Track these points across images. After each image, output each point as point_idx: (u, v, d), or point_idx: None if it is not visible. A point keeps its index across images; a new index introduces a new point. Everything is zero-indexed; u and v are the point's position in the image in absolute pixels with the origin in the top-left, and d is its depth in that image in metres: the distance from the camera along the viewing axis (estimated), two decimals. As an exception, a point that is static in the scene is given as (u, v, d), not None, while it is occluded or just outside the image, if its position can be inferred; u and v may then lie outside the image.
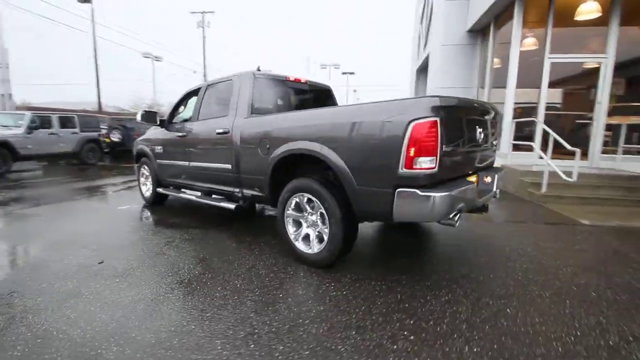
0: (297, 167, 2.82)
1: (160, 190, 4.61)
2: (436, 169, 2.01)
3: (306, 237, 2.72)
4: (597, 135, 5.95)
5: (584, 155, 5.77)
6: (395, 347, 1.68)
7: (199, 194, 4.03)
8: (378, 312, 2.00)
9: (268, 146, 2.83)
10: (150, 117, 4.28)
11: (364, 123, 2.19)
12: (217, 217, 4.23)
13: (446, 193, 2.00)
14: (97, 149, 10.49)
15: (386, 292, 2.25)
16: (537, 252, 3.02)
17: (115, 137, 12.27)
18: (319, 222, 2.61)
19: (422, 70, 12.15)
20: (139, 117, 4.24)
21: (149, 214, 4.45)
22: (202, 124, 3.74)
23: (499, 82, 7.36)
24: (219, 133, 3.37)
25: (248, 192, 3.23)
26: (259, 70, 3.49)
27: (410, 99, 2.09)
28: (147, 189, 5.00)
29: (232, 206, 3.34)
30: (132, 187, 6.63)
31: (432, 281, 2.41)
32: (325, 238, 2.51)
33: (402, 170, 2.02)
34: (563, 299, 2.17)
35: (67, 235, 3.47)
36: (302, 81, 3.90)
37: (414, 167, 1.99)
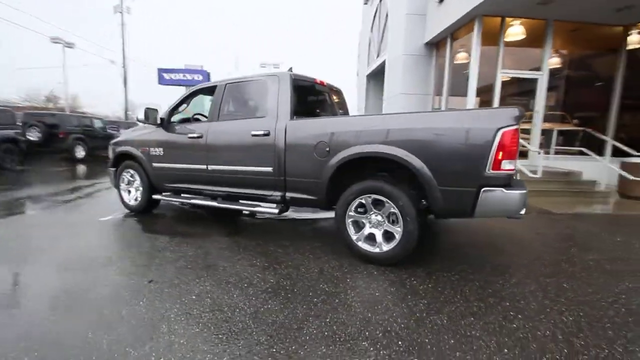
0: (356, 170, 2.88)
1: (157, 197, 4.14)
2: (515, 170, 2.32)
3: (369, 237, 2.81)
4: (535, 138, 7.19)
5: (524, 155, 6.96)
6: (514, 325, 1.92)
7: (207, 199, 3.76)
8: (474, 299, 2.22)
9: (327, 149, 2.84)
10: (151, 115, 3.82)
11: (450, 129, 2.39)
12: (221, 224, 4.00)
13: (524, 190, 2.32)
14: (15, 150, 8.67)
15: (463, 281, 2.48)
16: (544, 237, 3.61)
17: (33, 135, 10.32)
18: (386, 222, 2.73)
19: (374, 75, 12.92)
20: (140, 115, 3.76)
21: (144, 224, 3.95)
22: (226, 125, 3.50)
23: (454, 90, 8.32)
24: (255, 135, 3.22)
25: (292, 195, 3.16)
26: (291, 71, 3.42)
27: (497, 109, 2.36)
28: (134, 195, 4.43)
29: (274, 210, 3.22)
30: (93, 194, 5.74)
31: (491, 268, 2.74)
32: (397, 236, 2.65)
33: (489, 171, 2.28)
34: (591, 269, 2.69)
35: (75, 256, 2.92)
36: (324, 84, 3.94)
37: (501, 168, 2.27)
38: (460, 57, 7.93)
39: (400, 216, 2.60)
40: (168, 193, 4.15)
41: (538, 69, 7.04)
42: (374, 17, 12.55)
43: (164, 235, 3.51)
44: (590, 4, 5.99)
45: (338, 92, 4.34)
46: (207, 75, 33.72)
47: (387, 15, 10.62)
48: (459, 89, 8.21)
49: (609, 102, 7.27)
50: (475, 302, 2.18)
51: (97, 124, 12.35)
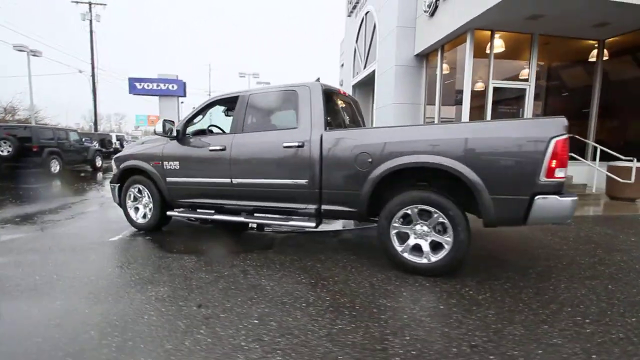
0: (395, 181, 2.85)
1: (172, 213, 3.90)
2: (565, 178, 2.39)
3: (415, 248, 2.78)
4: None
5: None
6: (588, 330, 1.94)
7: (228, 214, 3.61)
8: (536, 306, 2.24)
9: (370, 160, 2.80)
10: (168, 128, 3.63)
11: (503, 138, 2.43)
12: (238, 240, 3.84)
13: (575, 197, 2.39)
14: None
15: (516, 289, 2.50)
16: (564, 240, 3.74)
17: (4, 150, 9.54)
18: (432, 232, 2.71)
19: (361, 85, 13.15)
20: (158, 128, 3.55)
21: (160, 243, 3.70)
22: (253, 137, 3.38)
23: (446, 100, 8.62)
24: (288, 147, 3.13)
25: (329, 207, 3.08)
26: (318, 81, 3.38)
27: (547, 119, 2.42)
28: (142, 213, 4.16)
29: (312, 224, 3.12)
30: (87, 212, 5.34)
31: (535, 274, 2.78)
32: (447, 246, 2.63)
33: (543, 179, 2.33)
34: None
35: (102, 284, 2.66)
36: (346, 94, 3.93)
37: (554, 176, 2.32)
38: (451, 68, 8.26)
39: (450, 226, 2.60)
40: (182, 209, 3.93)
41: (526, 79, 7.45)
42: (359, 29, 12.82)
43: (187, 254, 3.30)
44: (572, 20, 6.45)
45: (355, 102, 4.34)
46: (183, 85, 33.04)
47: (374, 28, 10.88)
48: (450, 98, 8.52)
49: (589, 109, 7.80)
50: (540, 310, 2.19)
51: (73, 137, 11.60)
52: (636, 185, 5.90)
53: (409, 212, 2.75)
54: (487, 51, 7.27)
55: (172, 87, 31.67)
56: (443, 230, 2.68)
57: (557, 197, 2.33)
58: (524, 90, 7.47)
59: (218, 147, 3.49)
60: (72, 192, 7.45)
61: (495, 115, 7.44)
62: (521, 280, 2.66)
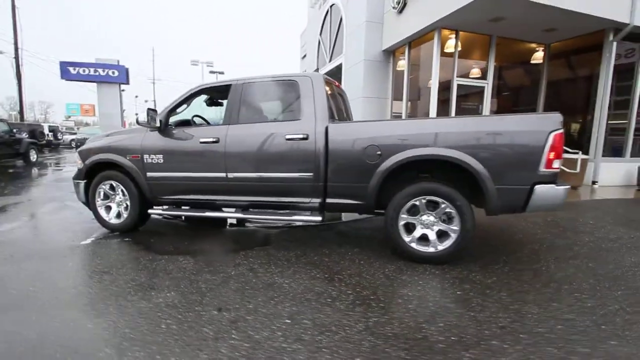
0: (400, 173, 2.91)
1: (155, 211, 3.57)
2: (559, 169, 2.62)
3: (421, 238, 2.87)
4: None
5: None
6: (589, 304, 2.17)
7: (219, 211, 3.42)
8: (540, 286, 2.45)
9: (379, 152, 2.81)
10: (153, 118, 3.29)
11: (507, 132, 2.58)
12: (228, 236, 3.68)
13: (568, 186, 2.63)
14: None
15: (517, 272, 2.70)
16: (536, 225, 4.13)
17: None
18: (439, 222, 2.82)
19: (326, 78, 13.13)
20: (142, 118, 3.20)
21: (144, 244, 3.37)
22: (250, 128, 3.20)
23: (412, 95, 8.97)
24: (291, 139, 3.02)
25: (334, 201, 3.05)
26: (317, 71, 3.30)
27: (545, 114, 2.61)
28: (115, 212, 3.76)
29: (318, 218, 3.06)
30: (36, 214, 4.67)
31: (526, 257, 3.04)
32: (454, 235, 2.76)
33: (543, 170, 2.53)
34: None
35: (95, 293, 2.34)
36: (339, 86, 3.89)
37: (552, 167, 2.54)
38: (417, 65, 8.58)
39: (457, 215, 2.72)
40: (165, 207, 3.62)
41: (484, 78, 8.02)
42: (324, 21, 12.76)
43: (181, 255, 3.05)
44: (526, 23, 7.06)
45: (345, 95, 4.33)
46: (125, 72, 30.37)
47: (341, 21, 10.90)
48: (416, 94, 8.89)
49: (536, 105, 8.66)
50: (544, 289, 2.40)
51: (1, 127, 10.04)
52: (580, 174, 6.72)
53: (417, 203, 2.82)
54: (452, 50, 7.68)
55: (113, 73, 28.89)
56: (448, 220, 2.80)
57: (554, 185, 2.56)
58: (482, 87, 8.04)
59: (210, 139, 3.25)
60: (11, 192, 6.46)
61: (459, 111, 7.93)
62: (517, 263, 2.88)
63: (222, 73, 34.12)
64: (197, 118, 3.93)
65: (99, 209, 3.78)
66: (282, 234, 3.73)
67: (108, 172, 3.69)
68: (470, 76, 8.09)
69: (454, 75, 7.71)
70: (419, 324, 1.94)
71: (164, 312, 2.06)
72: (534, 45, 8.42)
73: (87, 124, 51.37)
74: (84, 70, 27.89)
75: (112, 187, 3.74)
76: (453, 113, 7.76)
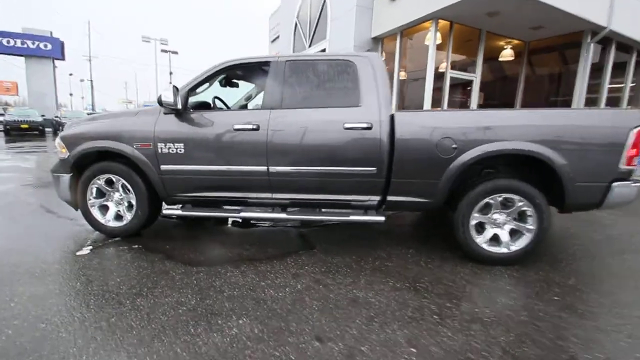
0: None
1: (174, 212, 2.95)
2: (636, 166, 2.58)
3: (492, 238, 2.69)
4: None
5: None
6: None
7: (255, 210, 2.95)
8: (632, 285, 2.40)
9: (454, 146, 2.54)
10: (174, 97, 2.66)
11: (592, 127, 2.45)
12: (245, 238, 3.23)
13: (640, 183, 2.60)
14: None
15: (588, 269, 2.65)
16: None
17: None
18: (513, 221, 2.65)
19: (304, 64, 12.55)
20: (167, 97, 2.56)
21: (159, 252, 2.77)
22: (300, 114, 2.72)
23: (402, 85, 8.87)
24: (351, 128, 2.62)
25: (397, 198, 2.73)
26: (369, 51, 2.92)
27: (625, 110, 2.53)
28: (114, 212, 3.07)
29: (380, 218, 2.72)
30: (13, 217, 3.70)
31: (582, 253, 3.01)
32: (530, 235, 2.61)
33: (622, 167, 2.46)
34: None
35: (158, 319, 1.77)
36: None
37: (632, 164, 2.47)
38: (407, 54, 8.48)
39: (535, 214, 2.57)
40: (180, 206, 3.03)
41: (473, 72, 8.17)
42: (301, 3, 12.10)
43: (218, 265, 2.53)
44: (516, 20, 7.24)
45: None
46: (60, 45, 26.78)
47: (324, 4, 10.38)
48: (405, 83, 8.80)
49: (514, 98, 9.08)
50: (616, 282, 2.35)
51: None
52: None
53: (491, 201, 2.62)
54: (449, 42, 7.65)
55: (45, 46, 25.33)
56: (520, 218, 2.65)
57: (630, 183, 2.51)
58: (471, 81, 8.19)
59: (249, 126, 2.72)
60: None
61: (450, 102, 7.99)
62: (572, 263, 2.82)
63: (175, 53, 31.50)
64: (217, 100, 3.33)
65: (91, 209, 3.05)
66: (313, 235, 3.33)
67: (105, 164, 2.97)
68: (459, 69, 8.18)
69: (447, 67, 7.72)
70: (556, 342, 1.73)
71: (252, 348, 1.61)
72: (516, 42, 8.74)
73: (7, 104, 44.36)
74: (8, 42, 23.87)
75: (109, 182, 3.02)
76: (445, 105, 7.80)
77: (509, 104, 9.09)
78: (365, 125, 2.61)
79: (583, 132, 2.47)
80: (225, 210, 2.95)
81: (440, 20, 7.36)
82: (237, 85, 3.70)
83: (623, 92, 9.10)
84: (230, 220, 3.68)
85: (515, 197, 2.57)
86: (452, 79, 7.97)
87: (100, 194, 3.06)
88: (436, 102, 7.81)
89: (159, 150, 2.83)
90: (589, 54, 7.50)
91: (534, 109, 2.60)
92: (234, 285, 2.22)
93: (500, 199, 2.61)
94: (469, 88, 8.52)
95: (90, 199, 3.04)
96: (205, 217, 3.53)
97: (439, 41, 7.54)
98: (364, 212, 2.84)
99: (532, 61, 8.96)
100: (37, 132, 16.46)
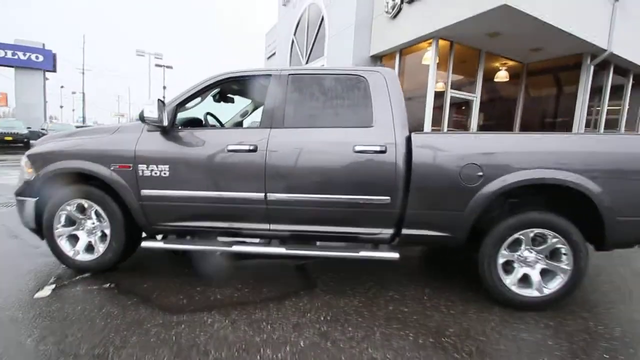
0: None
1: (152, 245, 2.55)
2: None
3: (522, 279, 2.35)
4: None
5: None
6: None
7: (246, 243, 2.57)
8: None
9: (480, 173, 2.22)
10: (160, 112, 2.31)
11: (632, 154, 2.17)
12: (246, 273, 2.83)
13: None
14: None
15: (627, 312, 2.32)
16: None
17: None
18: (545, 260, 2.32)
19: (300, 81, 12.41)
20: (151, 113, 2.21)
21: (141, 294, 2.35)
22: (305, 135, 2.40)
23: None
24: (363, 151, 2.30)
25: (412, 232, 2.38)
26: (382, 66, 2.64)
27: None
28: (85, 243, 2.65)
29: (395, 255, 2.35)
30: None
31: (614, 289, 2.68)
32: (564, 276, 2.27)
33: (671, 199, 2.17)
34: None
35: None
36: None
37: (680, 196, 2.19)
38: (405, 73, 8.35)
39: (570, 252, 2.24)
40: (161, 237, 2.64)
41: (472, 92, 8.04)
42: (299, 20, 12.08)
43: (203, 311, 2.12)
44: (517, 42, 7.19)
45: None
46: (51, 57, 26.50)
47: (322, 21, 10.33)
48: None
49: (513, 119, 8.96)
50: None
51: None
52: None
53: (521, 236, 2.29)
54: (450, 61, 7.54)
55: (36, 57, 24.99)
56: (553, 257, 2.32)
57: (678, 218, 2.21)
58: (471, 101, 8.05)
59: (245, 147, 2.37)
60: None
61: (451, 122, 7.81)
62: (620, 304, 2.49)
63: (170, 67, 31.38)
64: (210, 116, 2.99)
65: (58, 239, 2.62)
66: (313, 269, 2.93)
67: (77, 188, 2.57)
68: (458, 89, 8.05)
69: (448, 86, 7.58)
70: None
71: None
72: (514, 63, 8.71)
73: (-4, 116, 43.43)
74: (-1, 53, 23.40)
75: (80, 209, 2.62)
76: (446, 125, 7.62)
77: (507, 125, 8.98)
78: (378, 148, 2.29)
79: (625, 161, 2.19)
80: (215, 242, 2.55)
81: (440, 40, 7.25)
82: (232, 101, 3.39)
83: (621, 114, 9.08)
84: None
85: (549, 232, 2.25)
86: (452, 98, 7.83)
87: (70, 221, 2.65)
88: (436, 122, 7.62)
89: (140, 173, 2.46)
90: (589, 77, 7.45)
91: (569, 134, 2.32)
92: (223, 342, 1.82)
93: (532, 234, 2.28)
94: (463, 108, 8.41)
95: (57, 228, 2.62)
96: (191, 251, 3.10)
97: (437, 60, 7.43)
98: (375, 246, 2.48)
99: (530, 82, 8.92)
100: (21, 145, 15.82)
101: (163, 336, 1.85)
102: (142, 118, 2.30)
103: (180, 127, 2.60)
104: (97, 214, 2.61)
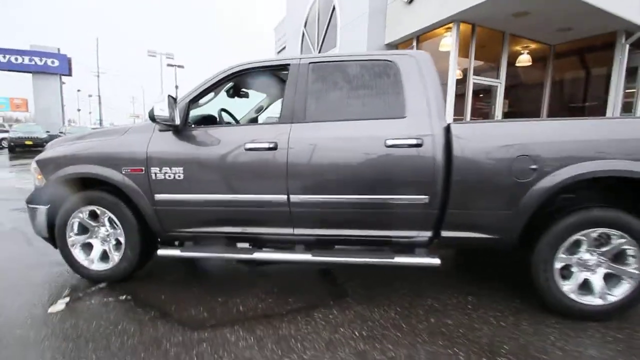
0: None
1: (169, 252, 2.38)
2: None
3: (582, 285, 2.06)
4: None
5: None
6: None
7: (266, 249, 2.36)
8: None
9: (534, 166, 1.94)
10: (171, 110, 2.11)
11: None
12: (265, 281, 2.62)
13: None
14: None
15: None
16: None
17: None
18: (608, 263, 2.03)
19: (312, 74, 12.13)
20: (161, 111, 2.02)
21: (160, 307, 2.19)
22: (329, 129, 2.16)
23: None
24: (395, 145, 2.04)
25: (455, 234, 2.13)
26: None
27: None
28: (100, 252, 2.51)
29: (436, 261, 2.11)
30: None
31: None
32: (632, 281, 1.98)
33: None
34: None
35: None
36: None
37: None
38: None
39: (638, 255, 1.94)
40: (177, 244, 2.47)
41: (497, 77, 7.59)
42: (309, 12, 11.76)
43: (226, 326, 1.93)
44: (545, 21, 6.69)
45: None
46: (67, 61, 27.01)
47: (333, 11, 9.98)
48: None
49: (540, 105, 8.45)
50: None
51: None
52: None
53: (582, 237, 2.00)
54: (471, 46, 7.12)
55: (52, 62, 25.50)
56: (618, 260, 2.02)
57: None
58: (495, 87, 7.61)
59: (264, 145, 2.15)
60: None
61: (474, 110, 7.40)
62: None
63: (181, 67, 31.55)
64: (224, 113, 2.79)
65: (72, 248, 2.49)
66: (341, 276, 2.71)
67: (89, 194, 2.42)
68: (481, 74, 7.61)
69: (470, 73, 7.17)
70: None
71: None
72: (540, 45, 8.17)
73: (17, 120, 44.82)
74: (16, 59, 23.99)
75: (93, 215, 2.47)
76: (469, 113, 7.22)
77: (535, 111, 8.47)
78: (413, 141, 2.03)
79: None
80: (235, 249, 2.36)
81: (461, 24, 6.83)
82: (247, 96, 3.18)
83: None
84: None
85: (616, 232, 1.95)
86: (474, 85, 7.41)
87: (83, 229, 2.51)
88: (457, 112, 7.23)
89: (153, 176, 2.28)
90: (624, 57, 6.90)
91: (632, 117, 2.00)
92: (249, 363, 1.62)
93: (594, 234, 1.99)
94: (481, 95, 7.97)
95: (71, 236, 2.48)
96: (210, 258, 2.92)
97: (458, 45, 7.01)
98: (411, 251, 2.23)
99: (557, 65, 8.37)
100: (41, 148, 16.18)
101: (183, 357, 1.66)
102: (152, 117, 2.11)
103: (193, 126, 2.41)
104: (110, 220, 2.46)
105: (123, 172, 2.31)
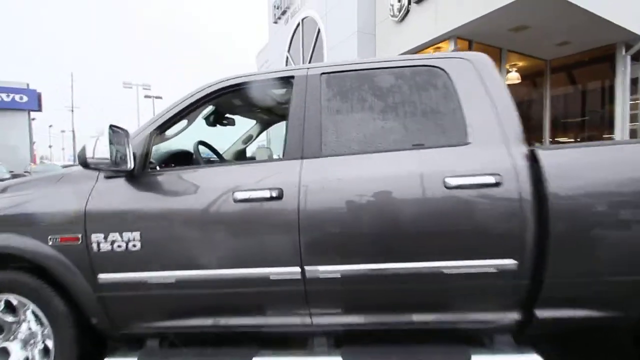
0: None
1: (121, 362, 1.57)
2: None
3: None
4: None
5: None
6: None
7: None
8: None
9: (676, 209, 1.29)
10: (120, 145, 1.38)
11: None
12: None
13: None
14: None
15: None
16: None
17: None
18: None
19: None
20: (101, 152, 1.29)
21: None
22: (353, 166, 1.47)
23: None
24: (458, 186, 1.36)
25: (559, 314, 1.41)
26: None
27: None
28: (21, 358, 1.66)
29: (533, 356, 1.37)
30: None
31: None
32: None
33: None
34: None
35: None
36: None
37: None
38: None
39: None
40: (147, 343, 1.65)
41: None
42: (293, 35, 11.49)
43: None
44: (543, 35, 6.44)
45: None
46: (36, 97, 26.11)
47: (318, 34, 9.69)
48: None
49: (542, 118, 8.12)
50: None
51: None
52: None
53: None
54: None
55: (20, 98, 24.41)
56: None
57: None
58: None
59: (262, 193, 1.43)
60: None
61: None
62: None
63: (159, 98, 30.87)
64: (204, 148, 2.07)
65: (-29, 359, 1.64)
66: None
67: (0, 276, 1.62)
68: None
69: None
70: None
71: None
72: (536, 61, 7.95)
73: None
74: (-20, 95, 22.76)
75: (9, 307, 1.65)
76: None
77: (537, 127, 8.12)
78: (486, 179, 1.36)
79: None
80: (224, 351, 1.57)
81: (458, 40, 6.50)
82: (232, 123, 2.49)
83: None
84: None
85: None
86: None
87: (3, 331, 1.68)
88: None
89: (95, 247, 1.51)
90: (626, 69, 6.66)
91: None
92: None
93: None
94: None
95: (-29, 340, 1.64)
96: None
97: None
98: (489, 341, 1.50)
99: (555, 80, 8.15)
100: (3, 191, 14.89)
101: None
102: (84, 162, 1.37)
103: (158, 168, 1.68)
104: (34, 314, 1.64)
105: (50, 243, 1.53)
